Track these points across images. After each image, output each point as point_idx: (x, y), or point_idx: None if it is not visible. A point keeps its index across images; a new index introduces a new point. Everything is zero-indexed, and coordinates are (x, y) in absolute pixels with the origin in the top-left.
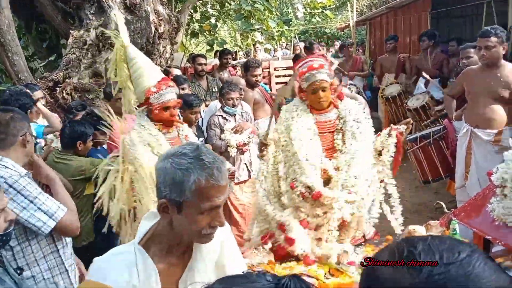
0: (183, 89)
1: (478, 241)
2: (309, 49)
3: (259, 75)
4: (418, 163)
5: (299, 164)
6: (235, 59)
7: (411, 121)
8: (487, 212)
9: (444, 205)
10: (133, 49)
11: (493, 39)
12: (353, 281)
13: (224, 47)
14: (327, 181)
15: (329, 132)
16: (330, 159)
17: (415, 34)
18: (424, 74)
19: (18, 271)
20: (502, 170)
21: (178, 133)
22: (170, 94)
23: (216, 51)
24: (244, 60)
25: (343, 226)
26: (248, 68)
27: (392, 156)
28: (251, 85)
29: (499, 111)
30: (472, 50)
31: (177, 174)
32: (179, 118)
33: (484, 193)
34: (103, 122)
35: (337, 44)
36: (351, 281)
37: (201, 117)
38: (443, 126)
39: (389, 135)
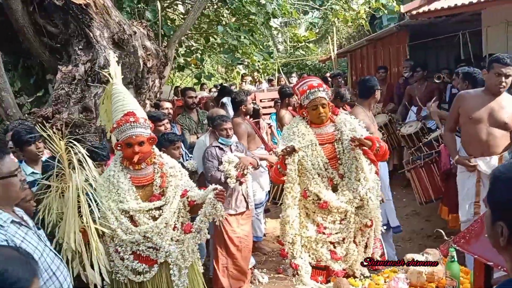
0: (163, 125)
1: (479, 267)
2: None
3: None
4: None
5: (306, 174)
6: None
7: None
8: (486, 238)
9: (443, 233)
10: (119, 85)
11: None
12: None
13: (211, 80)
14: (334, 189)
15: (329, 143)
16: (335, 168)
17: (394, 65)
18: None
19: None
20: None
21: (155, 170)
22: (131, 130)
23: (202, 84)
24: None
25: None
26: (242, 101)
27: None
28: (246, 115)
29: (502, 137)
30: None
31: None
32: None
33: (482, 219)
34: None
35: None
36: None
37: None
38: (437, 150)
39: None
